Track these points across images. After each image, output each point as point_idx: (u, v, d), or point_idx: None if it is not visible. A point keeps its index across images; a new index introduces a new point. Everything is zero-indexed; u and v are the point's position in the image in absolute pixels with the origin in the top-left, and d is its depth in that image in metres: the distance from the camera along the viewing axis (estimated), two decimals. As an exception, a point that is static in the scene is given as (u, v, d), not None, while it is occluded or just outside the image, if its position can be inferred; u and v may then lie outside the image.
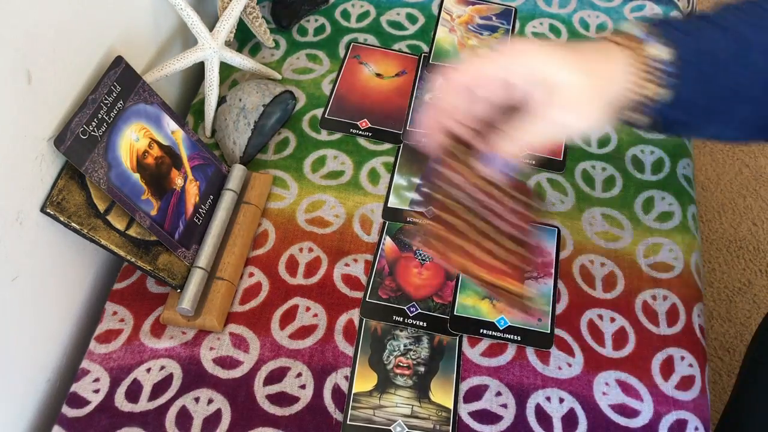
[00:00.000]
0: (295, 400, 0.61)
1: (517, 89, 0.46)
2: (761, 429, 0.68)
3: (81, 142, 0.58)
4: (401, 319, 0.65)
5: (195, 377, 0.62)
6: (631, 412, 0.61)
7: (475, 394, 0.62)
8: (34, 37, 0.54)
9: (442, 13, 0.93)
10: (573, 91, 0.45)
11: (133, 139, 0.63)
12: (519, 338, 0.64)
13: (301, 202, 0.74)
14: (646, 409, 0.61)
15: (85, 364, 0.63)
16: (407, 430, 0.60)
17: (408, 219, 0.72)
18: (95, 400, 0.61)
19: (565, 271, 0.69)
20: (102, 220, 0.61)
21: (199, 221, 0.68)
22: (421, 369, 0.63)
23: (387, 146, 0.79)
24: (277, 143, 0.80)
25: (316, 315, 0.66)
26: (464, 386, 0.62)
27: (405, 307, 0.66)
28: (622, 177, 0.77)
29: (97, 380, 0.62)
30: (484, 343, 0.65)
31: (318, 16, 0.93)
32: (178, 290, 0.65)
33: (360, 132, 0.80)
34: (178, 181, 0.67)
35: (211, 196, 0.71)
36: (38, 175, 0.58)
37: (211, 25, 0.80)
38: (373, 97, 0.83)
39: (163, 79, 0.76)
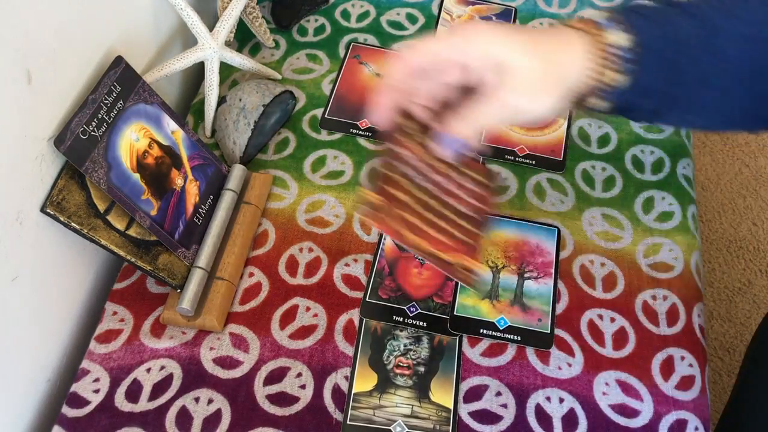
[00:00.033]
0: (295, 400, 0.61)
1: (472, 71, 0.47)
2: (761, 429, 0.68)
3: (81, 142, 0.58)
4: (401, 319, 0.65)
5: (195, 377, 0.62)
6: (631, 412, 0.61)
7: (475, 394, 0.62)
8: (34, 37, 0.54)
9: (442, 13, 0.93)
10: (526, 75, 0.45)
11: (133, 139, 0.63)
12: (519, 338, 0.64)
13: (301, 202, 0.74)
14: (646, 409, 0.61)
15: (85, 364, 0.63)
16: (407, 430, 0.60)
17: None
18: (95, 400, 0.61)
19: (565, 271, 0.69)
20: (102, 220, 0.61)
21: (199, 221, 0.68)
22: (421, 369, 0.63)
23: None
24: (277, 143, 0.80)
25: (316, 315, 0.66)
26: (464, 386, 0.62)
27: (405, 307, 0.66)
28: (622, 177, 0.77)
29: (97, 380, 0.62)
30: (484, 343, 0.65)
31: (318, 16, 0.93)
32: (178, 290, 0.65)
33: (360, 132, 0.80)
34: (178, 181, 0.67)
35: (211, 196, 0.71)
36: (38, 175, 0.58)
37: (211, 25, 0.80)
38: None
39: (163, 79, 0.76)
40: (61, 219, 0.58)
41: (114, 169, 0.61)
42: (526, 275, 0.69)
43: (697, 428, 0.60)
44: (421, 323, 0.65)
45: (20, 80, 0.53)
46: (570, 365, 0.63)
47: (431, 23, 0.92)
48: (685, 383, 0.63)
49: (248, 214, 0.71)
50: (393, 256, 0.70)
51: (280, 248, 0.71)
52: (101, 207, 0.61)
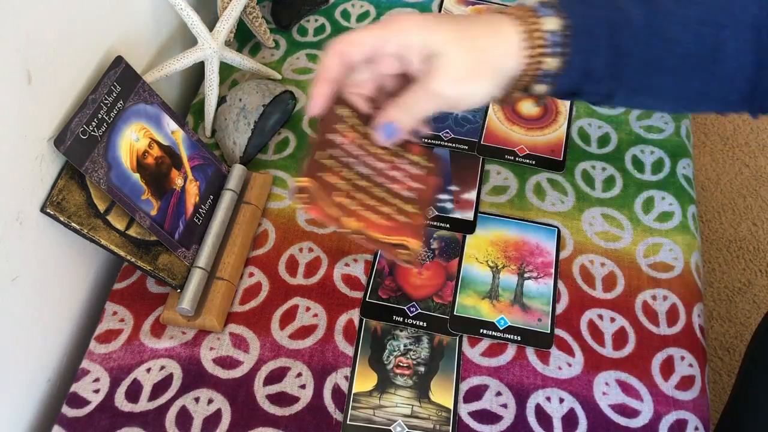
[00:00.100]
0: (295, 400, 0.61)
1: (407, 60, 0.48)
2: (761, 429, 0.68)
3: (81, 142, 0.58)
4: (401, 319, 0.65)
5: (195, 377, 0.62)
6: (631, 412, 0.61)
7: (475, 394, 0.62)
8: (34, 37, 0.54)
9: (443, 13, 0.93)
10: (456, 65, 0.46)
11: (133, 139, 0.63)
12: (519, 338, 0.64)
13: (301, 202, 0.74)
14: (646, 409, 0.61)
15: (85, 364, 0.63)
16: (407, 430, 0.60)
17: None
18: (95, 400, 0.61)
19: (565, 271, 0.69)
20: (102, 220, 0.61)
21: (199, 221, 0.68)
22: (421, 369, 0.63)
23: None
24: (277, 143, 0.80)
25: (316, 315, 0.66)
26: (464, 386, 0.62)
27: (405, 307, 0.66)
28: (622, 177, 0.77)
29: (97, 380, 0.62)
30: (484, 343, 0.65)
31: (318, 16, 0.93)
32: (178, 290, 0.65)
33: (360, 132, 0.80)
34: (178, 181, 0.67)
35: (211, 196, 0.71)
36: (38, 175, 0.58)
37: (211, 25, 0.80)
38: (373, 97, 0.83)
39: (163, 79, 0.76)
40: (61, 219, 0.58)
41: (114, 169, 0.61)
42: (526, 275, 0.69)
43: (697, 428, 0.60)
44: (421, 323, 0.65)
45: (20, 80, 0.53)
46: (570, 365, 0.63)
47: (431, 23, 0.92)
48: (685, 383, 0.63)
49: (248, 214, 0.71)
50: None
51: (280, 248, 0.71)
52: (101, 207, 0.61)
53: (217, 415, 0.60)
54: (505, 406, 0.61)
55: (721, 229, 1.49)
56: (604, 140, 0.80)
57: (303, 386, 0.62)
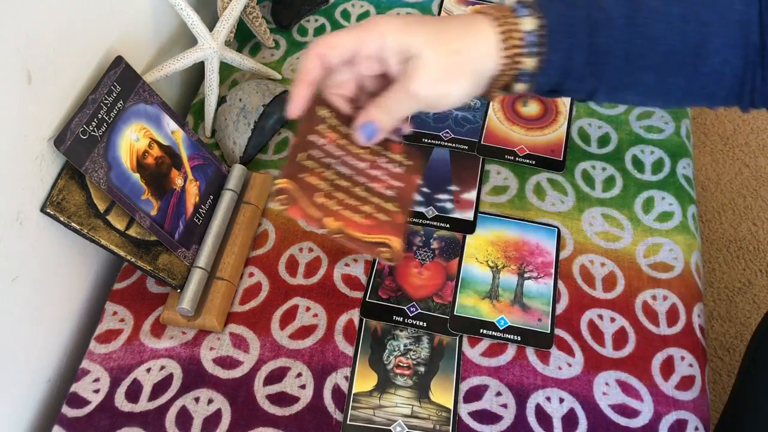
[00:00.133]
0: (295, 400, 0.61)
1: (386, 62, 0.48)
2: (761, 429, 0.68)
3: (81, 142, 0.58)
4: (401, 319, 0.65)
5: (195, 377, 0.62)
6: (631, 412, 0.61)
7: (475, 394, 0.62)
8: (34, 37, 0.54)
9: (442, 13, 0.93)
10: (432, 67, 0.46)
11: (133, 139, 0.63)
12: (519, 338, 0.64)
13: (301, 202, 0.74)
14: (646, 409, 0.61)
15: (85, 364, 0.63)
16: (407, 430, 0.60)
17: (408, 219, 0.72)
18: (95, 400, 0.61)
19: (565, 271, 0.69)
20: (102, 220, 0.61)
21: (199, 221, 0.68)
22: (421, 369, 0.63)
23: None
24: (277, 143, 0.80)
25: (316, 315, 0.66)
26: (464, 386, 0.62)
27: (405, 307, 0.66)
28: (622, 177, 0.77)
29: (97, 380, 0.62)
30: (484, 343, 0.65)
31: (318, 16, 0.93)
32: (178, 290, 0.65)
33: (360, 132, 0.80)
34: (178, 181, 0.67)
35: (211, 196, 0.71)
36: (38, 175, 0.58)
37: (211, 25, 0.80)
38: (373, 97, 0.83)
39: (163, 79, 0.76)
40: (61, 219, 0.58)
41: (114, 169, 0.61)
42: (526, 275, 0.69)
43: (697, 428, 0.60)
44: (421, 323, 0.65)
45: (20, 80, 0.53)
46: (570, 365, 0.63)
47: (431, 23, 0.92)
48: (685, 383, 0.63)
49: (248, 214, 0.71)
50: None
51: (280, 248, 0.71)
52: (101, 207, 0.61)
53: (217, 415, 0.60)
54: (505, 406, 0.61)
55: (721, 229, 1.49)
56: (604, 140, 0.80)
57: (303, 386, 0.62)
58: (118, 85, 0.62)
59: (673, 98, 0.50)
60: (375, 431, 0.60)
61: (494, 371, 0.63)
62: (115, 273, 0.71)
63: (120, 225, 0.62)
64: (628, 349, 0.65)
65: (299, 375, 0.63)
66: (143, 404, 0.61)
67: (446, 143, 0.78)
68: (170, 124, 0.68)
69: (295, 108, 0.51)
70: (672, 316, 0.67)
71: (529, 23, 0.46)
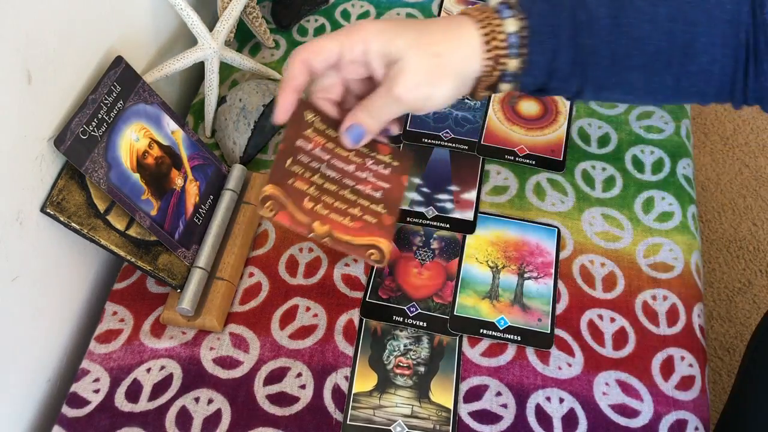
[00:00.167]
0: (295, 400, 0.61)
1: (370, 66, 0.49)
2: (761, 429, 0.68)
3: (81, 142, 0.58)
4: (401, 319, 0.65)
5: (195, 377, 0.62)
6: (631, 412, 0.61)
7: (475, 394, 0.62)
8: (34, 37, 0.54)
9: (442, 13, 0.93)
10: (415, 71, 0.47)
11: (133, 139, 0.63)
12: (519, 338, 0.64)
13: (301, 202, 0.74)
14: (646, 409, 0.61)
15: (85, 364, 0.63)
16: (407, 430, 0.60)
17: (408, 219, 0.72)
18: (95, 400, 0.61)
19: (565, 271, 0.69)
20: (102, 220, 0.61)
21: (199, 221, 0.68)
22: (421, 369, 0.63)
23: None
24: (277, 143, 0.80)
25: (316, 315, 0.66)
26: (464, 386, 0.62)
27: (405, 307, 0.66)
28: (622, 177, 0.77)
29: (97, 380, 0.62)
30: (484, 343, 0.65)
31: (318, 16, 0.93)
32: (178, 290, 0.65)
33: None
34: (178, 181, 0.67)
35: (211, 196, 0.71)
36: (38, 175, 0.58)
37: (211, 25, 0.80)
38: (373, 97, 0.83)
39: (163, 79, 0.76)
40: (61, 219, 0.58)
41: (114, 169, 0.61)
42: (526, 275, 0.69)
43: (697, 428, 0.60)
44: (421, 323, 0.65)
45: (20, 80, 0.53)
46: (570, 365, 0.63)
47: (431, 23, 0.92)
48: (685, 383, 0.63)
49: (248, 214, 0.71)
50: (393, 257, 0.70)
51: (280, 248, 0.71)
52: (101, 207, 0.61)
53: (217, 415, 0.60)
54: (505, 406, 0.61)
55: (721, 229, 1.49)
56: (604, 140, 0.80)
57: (303, 386, 0.62)
58: (118, 85, 0.62)
59: (661, 96, 0.50)
60: (375, 431, 0.60)
61: (494, 371, 0.63)
62: (115, 273, 0.71)
63: (120, 225, 0.62)
64: (628, 349, 0.65)
65: (299, 375, 0.63)
66: (143, 404, 0.61)
67: (446, 143, 0.78)
68: (170, 124, 0.68)
69: (282, 114, 0.51)
70: (672, 316, 0.67)
71: (511, 24, 0.47)
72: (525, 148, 0.78)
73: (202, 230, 0.68)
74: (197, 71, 0.87)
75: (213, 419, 0.60)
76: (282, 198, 0.51)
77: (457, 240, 0.71)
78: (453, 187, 0.75)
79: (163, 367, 0.63)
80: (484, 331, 0.65)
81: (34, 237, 0.58)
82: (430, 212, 0.73)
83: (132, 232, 0.63)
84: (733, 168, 1.58)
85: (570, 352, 0.64)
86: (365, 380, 0.62)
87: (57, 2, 0.57)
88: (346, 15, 0.93)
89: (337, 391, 0.62)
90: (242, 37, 0.90)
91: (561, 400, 0.61)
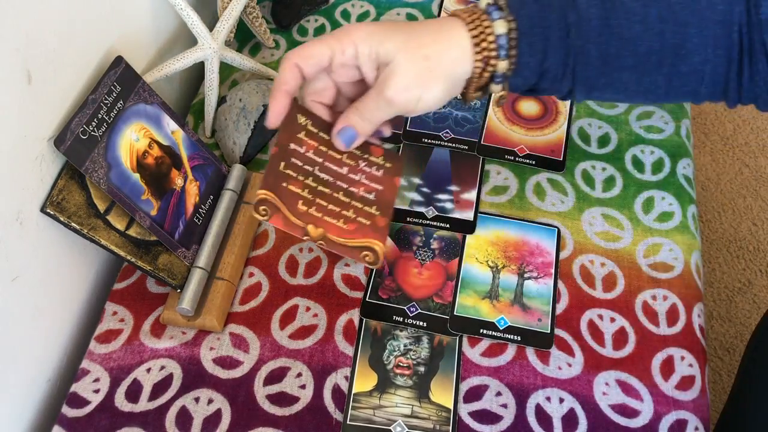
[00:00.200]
0: (295, 400, 0.61)
1: (360, 69, 0.49)
2: (761, 429, 0.68)
3: (81, 142, 0.58)
4: (401, 319, 0.65)
5: (195, 377, 0.62)
6: (631, 412, 0.61)
7: (475, 394, 0.62)
8: (34, 37, 0.54)
9: (442, 13, 0.93)
10: (404, 74, 0.47)
11: (133, 139, 0.63)
12: (519, 338, 0.64)
13: (301, 202, 0.74)
14: (646, 409, 0.61)
15: (85, 364, 0.63)
16: (407, 430, 0.60)
17: (408, 219, 0.72)
18: (95, 400, 0.61)
19: (565, 271, 0.69)
20: (102, 220, 0.61)
21: (199, 221, 0.68)
22: (421, 369, 0.63)
23: (387, 146, 0.79)
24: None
25: (316, 315, 0.66)
26: (464, 386, 0.62)
27: (405, 307, 0.66)
28: (622, 177, 0.77)
29: (97, 380, 0.62)
30: (484, 343, 0.65)
31: (318, 16, 0.93)
32: (178, 290, 0.65)
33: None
34: (178, 181, 0.67)
35: (211, 196, 0.71)
36: (38, 175, 0.58)
37: (211, 25, 0.80)
38: (373, 97, 0.83)
39: (163, 79, 0.76)
40: (61, 219, 0.58)
41: (114, 169, 0.61)
42: (526, 275, 0.69)
43: (697, 428, 0.60)
44: (421, 323, 0.65)
45: (20, 80, 0.53)
46: (570, 365, 0.63)
47: (431, 23, 0.92)
48: (685, 383, 0.63)
49: (248, 214, 0.71)
50: (393, 257, 0.70)
51: (280, 248, 0.71)
52: (101, 207, 0.61)
53: (217, 415, 0.60)
54: (505, 406, 0.61)
55: (721, 229, 1.49)
56: (604, 140, 0.80)
57: (303, 386, 0.62)
58: (118, 85, 0.62)
59: (652, 96, 0.50)
60: (375, 431, 0.60)
61: (494, 371, 0.63)
62: (115, 273, 0.71)
63: (120, 225, 0.62)
64: (628, 349, 0.65)
65: (299, 375, 0.63)
66: (143, 404, 0.61)
67: (446, 143, 0.78)
68: (170, 124, 0.68)
69: (274, 118, 0.51)
70: (672, 316, 0.67)
71: (501, 26, 0.47)
72: (525, 148, 0.78)
73: (202, 230, 0.68)
74: (197, 71, 0.87)
75: (213, 419, 0.60)
76: (276, 201, 0.51)
77: (457, 240, 0.71)
78: (453, 187, 0.75)
79: (163, 367, 0.63)
80: (484, 331, 0.65)
81: (34, 237, 0.58)
82: (430, 212, 0.73)
83: (132, 232, 0.63)
84: (733, 168, 1.58)
85: (570, 352, 0.64)
86: (365, 380, 0.62)
87: (57, 2, 0.57)
88: (346, 15, 0.93)
89: (337, 391, 0.62)
90: (242, 37, 0.90)
91: (561, 400, 0.61)
